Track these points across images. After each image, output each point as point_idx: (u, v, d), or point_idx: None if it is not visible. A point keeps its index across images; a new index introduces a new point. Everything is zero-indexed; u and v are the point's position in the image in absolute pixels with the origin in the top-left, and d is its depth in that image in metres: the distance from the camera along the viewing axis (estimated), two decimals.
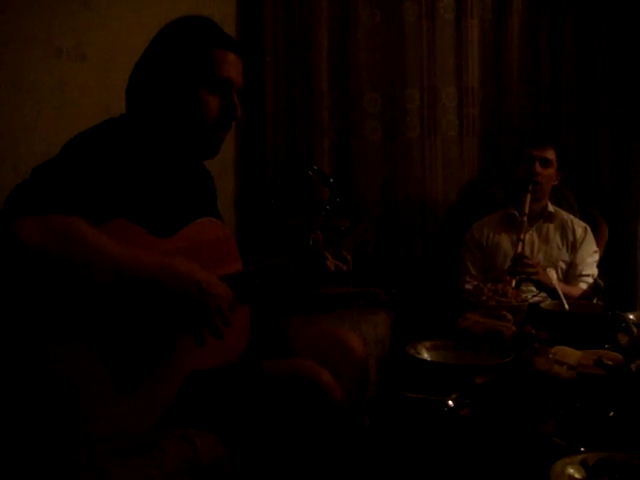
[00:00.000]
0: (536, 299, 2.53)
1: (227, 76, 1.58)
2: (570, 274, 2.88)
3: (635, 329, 1.99)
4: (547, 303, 2.34)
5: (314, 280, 1.68)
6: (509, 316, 2.22)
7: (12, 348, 1.30)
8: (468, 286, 2.88)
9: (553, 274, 2.58)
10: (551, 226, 2.97)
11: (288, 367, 1.57)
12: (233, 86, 1.60)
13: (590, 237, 2.94)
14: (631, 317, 2.10)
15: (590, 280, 2.82)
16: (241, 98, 1.65)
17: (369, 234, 1.84)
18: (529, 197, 2.88)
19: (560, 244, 2.94)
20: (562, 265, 2.90)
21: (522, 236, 2.80)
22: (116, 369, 1.39)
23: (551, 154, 2.95)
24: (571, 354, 1.76)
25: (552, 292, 2.52)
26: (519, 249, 2.77)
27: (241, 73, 1.63)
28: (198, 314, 1.41)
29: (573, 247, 2.92)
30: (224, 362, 1.60)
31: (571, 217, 3.01)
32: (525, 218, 2.84)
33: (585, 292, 2.67)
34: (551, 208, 2.99)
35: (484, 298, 2.37)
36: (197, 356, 1.52)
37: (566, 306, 2.27)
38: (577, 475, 1.22)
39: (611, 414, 1.45)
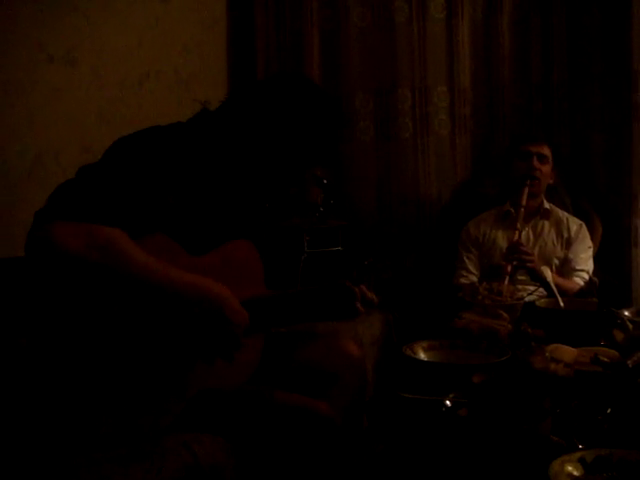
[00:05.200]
0: (531, 297, 2.53)
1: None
2: (564, 269, 2.89)
3: (630, 325, 2.00)
4: (542, 301, 2.34)
5: (339, 314, 1.68)
6: (505, 315, 2.22)
7: (19, 350, 1.31)
8: (463, 280, 2.89)
9: (549, 273, 2.58)
10: (546, 223, 2.98)
11: (294, 400, 1.61)
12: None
13: (585, 233, 2.95)
14: (626, 313, 2.11)
15: (585, 275, 2.83)
16: None
17: (389, 272, 1.85)
18: (526, 190, 2.89)
19: (555, 240, 2.94)
20: (556, 261, 2.91)
21: (519, 225, 2.82)
22: (126, 381, 1.39)
23: (547, 151, 2.96)
24: (567, 352, 1.76)
25: (547, 284, 2.53)
26: (516, 237, 2.78)
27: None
28: (214, 338, 1.43)
29: (568, 243, 2.93)
30: (233, 383, 1.60)
31: (566, 214, 3.02)
32: (522, 209, 2.85)
33: (581, 288, 2.67)
34: (547, 205, 3.00)
35: (480, 297, 2.36)
36: (207, 375, 1.50)
37: (561, 304, 2.27)
38: (575, 472, 1.22)
39: (608, 411, 1.45)
